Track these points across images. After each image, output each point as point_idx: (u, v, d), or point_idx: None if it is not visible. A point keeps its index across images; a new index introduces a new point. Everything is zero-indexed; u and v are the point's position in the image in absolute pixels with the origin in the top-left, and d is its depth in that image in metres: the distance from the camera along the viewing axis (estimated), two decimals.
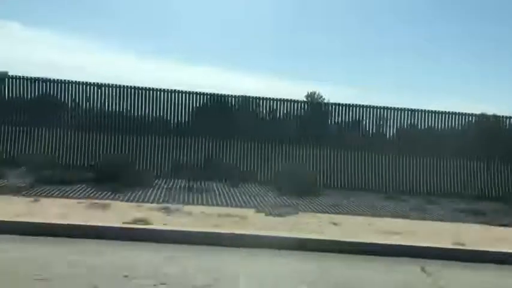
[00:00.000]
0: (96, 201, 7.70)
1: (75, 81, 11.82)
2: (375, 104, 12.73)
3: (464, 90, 59.65)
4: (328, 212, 8.34)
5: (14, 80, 11.55)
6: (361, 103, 12.75)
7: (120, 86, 11.93)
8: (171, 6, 52.57)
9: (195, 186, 10.09)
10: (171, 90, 12.12)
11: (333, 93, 68.53)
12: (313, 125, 12.79)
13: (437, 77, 61.73)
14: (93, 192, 8.51)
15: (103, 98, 11.82)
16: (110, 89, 11.88)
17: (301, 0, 53.86)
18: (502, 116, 13.17)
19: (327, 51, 64.97)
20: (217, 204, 8.36)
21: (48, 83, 11.68)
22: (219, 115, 12.22)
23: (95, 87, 11.81)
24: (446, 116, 12.72)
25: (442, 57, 56.02)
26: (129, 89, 11.97)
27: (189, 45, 63.35)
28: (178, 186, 10.06)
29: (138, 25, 58.06)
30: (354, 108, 12.67)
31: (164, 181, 10.55)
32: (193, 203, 8.28)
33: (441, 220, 8.42)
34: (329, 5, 53.91)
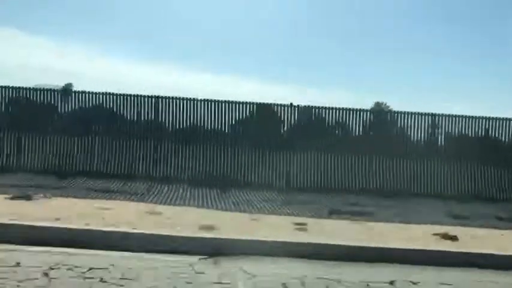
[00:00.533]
0: None
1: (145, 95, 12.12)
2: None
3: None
4: None
5: (76, 94, 12.19)
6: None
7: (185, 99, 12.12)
8: (171, 10, 53.01)
9: None
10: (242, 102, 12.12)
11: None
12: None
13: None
14: None
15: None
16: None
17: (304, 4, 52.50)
18: None
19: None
20: None
21: (109, 96, 12.07)
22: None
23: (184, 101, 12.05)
24: None
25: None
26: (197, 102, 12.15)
27: (191, 51, 63.20)
28: None
29: (137, 31, 59.10)
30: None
31: None
32: None
33: None
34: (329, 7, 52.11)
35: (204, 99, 12.17)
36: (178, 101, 12.09)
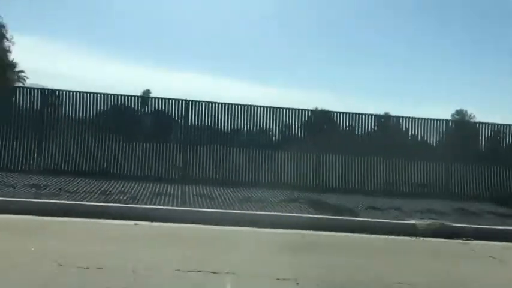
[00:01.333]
0: None
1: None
2: None
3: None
4: None
5: (154, 100, 12.33)
6: None
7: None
8: (165, 13, 52.50)
9: None
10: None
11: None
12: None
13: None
14: None
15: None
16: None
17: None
18: None
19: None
20: None
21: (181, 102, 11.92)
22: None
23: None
24: None
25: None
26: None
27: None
28: None
29: (128, 35, 58.73)
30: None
31: None
32: None
33: None
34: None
35: None
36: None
